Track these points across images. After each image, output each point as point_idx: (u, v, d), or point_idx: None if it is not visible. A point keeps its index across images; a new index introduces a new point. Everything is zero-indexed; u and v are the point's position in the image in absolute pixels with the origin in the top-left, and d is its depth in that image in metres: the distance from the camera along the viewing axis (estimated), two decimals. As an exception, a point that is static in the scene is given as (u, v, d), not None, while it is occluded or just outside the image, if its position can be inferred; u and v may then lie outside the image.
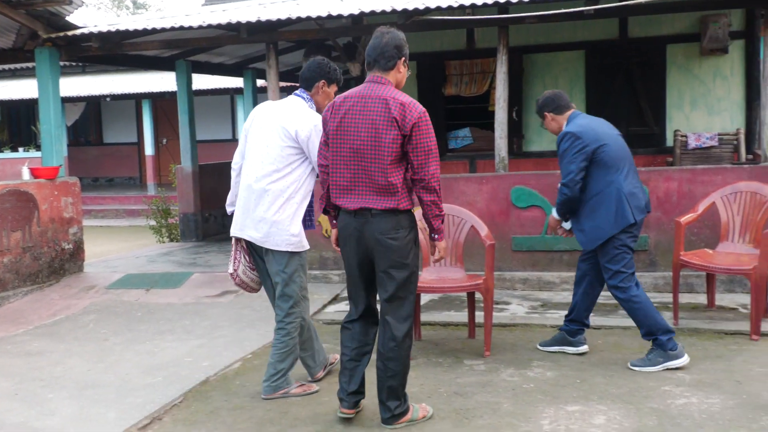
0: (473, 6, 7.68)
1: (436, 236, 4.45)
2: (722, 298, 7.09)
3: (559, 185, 5.53)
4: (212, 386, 5.34)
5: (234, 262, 5.13)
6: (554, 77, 10.65)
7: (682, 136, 9.50)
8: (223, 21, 8.31)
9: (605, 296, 7.37)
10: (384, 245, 4.32)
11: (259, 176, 4.86)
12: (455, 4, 7.67)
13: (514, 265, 7.96)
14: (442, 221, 4.42)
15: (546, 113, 5.74)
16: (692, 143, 9.35)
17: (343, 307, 7.36)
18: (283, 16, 8.13)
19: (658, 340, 5.35)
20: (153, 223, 12.84)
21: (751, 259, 6.17)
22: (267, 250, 4.93)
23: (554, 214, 5.73)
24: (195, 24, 8.43)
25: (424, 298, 7.38)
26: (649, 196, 7.48)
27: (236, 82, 17.50)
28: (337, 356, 5.52)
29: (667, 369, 5.27)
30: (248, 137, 5.05)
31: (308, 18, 8.08)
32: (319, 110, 4.99)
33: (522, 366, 5.49)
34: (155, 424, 4.70)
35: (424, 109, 4.28)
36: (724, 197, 6.68)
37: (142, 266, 9.73)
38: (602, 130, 5.52)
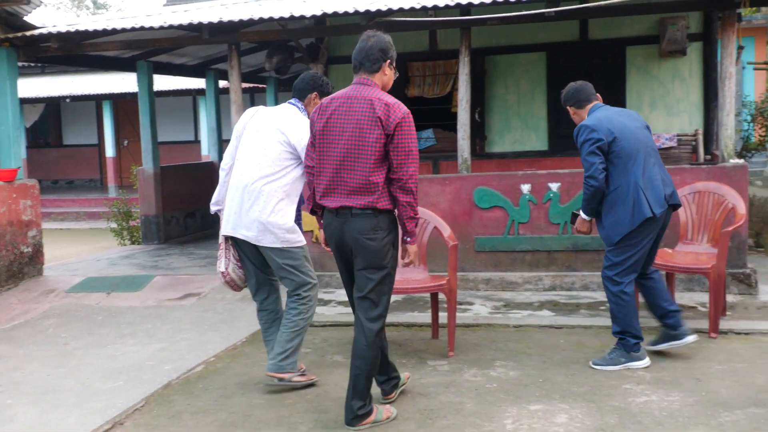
0: (435, 8, 7.71)
1: (408, 239, 4.50)
2: (681, 297, 7.18)
3: (584, 179, 5.43)
4: (174, 390, 5.30)
5: (224, 261, 5.20)
6: (516, 79, 10.72)
7: (641, 136, 9.60)
8: (185, 21, 8.25)
9: (565, 296, 7.46)
10: (362, 245, 4.38)
11: (255, 177, 4.97)
12: (418, 6, 7.69)
13: (477, 266, 8.00)
14: (416, 224, 4.46)
15: (568, 107, 5.74)
16: (652, 144, 9.46)
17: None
18: (245, 17, 8.09)
19: (626, 340, 5.39)
20: (114, 225, 12.70)
21: (709, 258, 6.26)
22: (265, 249, 5.03)
23: (582, 215, 5.57)
24: (156, 24, 8.36)
25: (388, 299, 7.39)
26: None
27: (198, 83, 17.36)
28: (303, 366, 5.52)
29: (628, 368, 5.34)
30: (241, 139, 5.16)
31: (270, 19, 8.05)
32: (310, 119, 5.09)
33: (485, 366, 5.52)
34: (116, 429, 4.66)
35: (408, 110, 4.37)
36: (682, 197, 6.75)
37: (102, 269, 9.62)
38: (618, 122, 5.43)
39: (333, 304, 7.45)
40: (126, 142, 22.74)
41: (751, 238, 9.30)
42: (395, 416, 4.58)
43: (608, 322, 6.48)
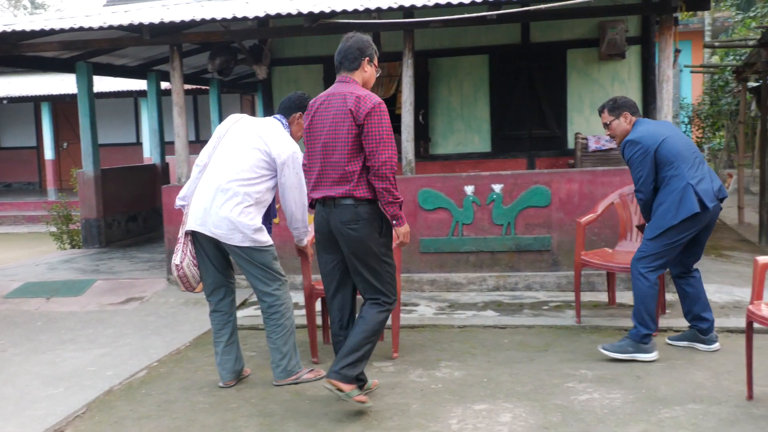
0: (379, 10, 7.72)
1: (395, 222, 4.69)
2: (622, 296, 7.28)
3: (635, 193, 5.72)
4: (117, 396, 5.22)
5: (181, 254, 5.22)
6: (459, 81, 10.80)
7: (582, 138, 9.76)
8: (125, 22, 8.13)
9: (509, 296, 7.53)
10: (344, 234, 4.62)
11: (231, 178, 5.07)
12: (361, 8, 7.70)
13: (421, 267, 8.03)
14: (399, 207, 4.63)
15: (626, 113, 5.82)
16: (592, 146, 9.62)
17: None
18: (187, 18, 8.00)
19: (638, 330, 5.53)
20: (54, 229, 12.48)
21: None
22: (234, 248, 5.11)
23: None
24: (95, 25, 8.22)
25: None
26: (552, 197, 7.68)
27: (140, 84, 17.15)
28: (249, 370, 5.50)
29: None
30: (222, 140, 5.26)
31: (213, 20, 7.98)
32: (292, 137, 5.29)
33: (430, 366, 5.54)
34: (57, 436, 4.58)
35: (380, 101, 4.59)
36: (622, 197, 6.88)
37: (42, 274, 9.44)
38: (660, 130, 5.70)
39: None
40: (66, 144, 22.34)
41: (688, 237, 9.48)
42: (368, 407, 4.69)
43: (551, 321, 6.61)
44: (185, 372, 5.68)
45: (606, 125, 5.94)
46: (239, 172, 5.06)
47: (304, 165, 4.91)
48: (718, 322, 6.34)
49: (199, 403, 4.99)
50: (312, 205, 4.90)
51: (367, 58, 4.72)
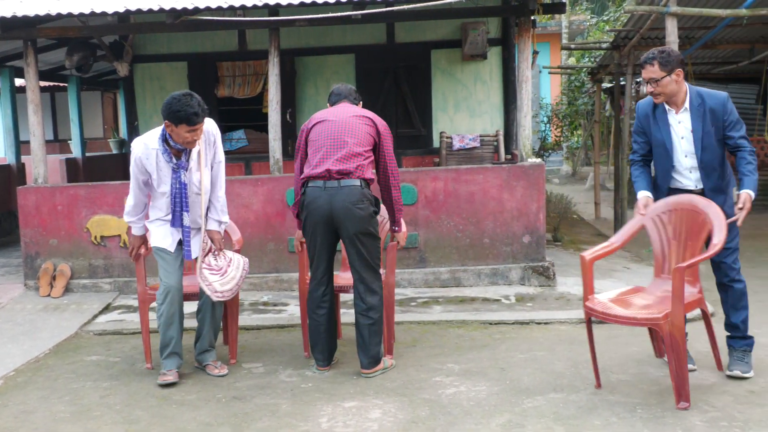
0: (243, 8, 7.63)
1: (396, 228, 5.42)
2: (486, 291, 7.50)
3: (752, 152, 4.78)
4: (-30, 408, 4.97)
5: None
6: (326, 80, 10.80)
7: (447, 137, 9.95)
8: (-26, 16, 7.73)
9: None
10: (352, 214, 5.06)
11: None
12: (225, 5, 7.59)
13: (291, 266, 7.98)
14: (402, 215, 5.41)
15: (679, 70, 4.79)
16: (456, 144, 9.82)
17: (116, 317, 7.09)
18: (42, 12, 7.67)
19: (751, 338, 5.07)
20: None
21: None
22: None
23: (751, 192, 4.73)
24: (-59, 18, 7.78)
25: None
26: (418, 195, 7.80)
27: (-9, 81, 16.33)
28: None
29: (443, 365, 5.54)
30: None
31: (69, 14, 7.67)
32: (176, 141, 5.12)
33: (300, 366, 5.53)
34: None
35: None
36: None
37: None
38: None
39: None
40: None
41: (549, 233, 9.85)
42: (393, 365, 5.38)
43: (419, 317, 6.71)
44: (45, 381, 5.46)
45: (654, 81, 4.82)
46: None
47: (298, 170, 5.34)
48: (576, 314, 6.61)
49: (60, 412, 4.81)
50: (304, 190, 5.24)
51: (361, 103, 5.53)
